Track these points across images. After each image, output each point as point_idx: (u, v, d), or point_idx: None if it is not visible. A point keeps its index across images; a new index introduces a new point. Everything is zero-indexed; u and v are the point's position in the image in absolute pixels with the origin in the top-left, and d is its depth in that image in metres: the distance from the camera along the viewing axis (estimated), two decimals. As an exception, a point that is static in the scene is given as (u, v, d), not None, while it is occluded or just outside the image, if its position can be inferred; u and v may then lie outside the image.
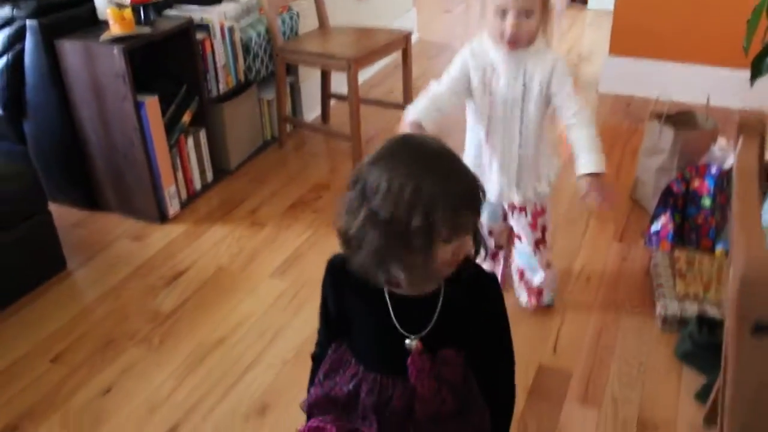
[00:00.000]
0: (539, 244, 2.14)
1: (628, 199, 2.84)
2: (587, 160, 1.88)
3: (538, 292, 2.22)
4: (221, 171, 3.08)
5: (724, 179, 2.46)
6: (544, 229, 2.14)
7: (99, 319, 2.27)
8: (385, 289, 1.23)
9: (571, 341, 2.12)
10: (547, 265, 2.19)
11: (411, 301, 1.23)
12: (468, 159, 2.08)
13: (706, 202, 2.45)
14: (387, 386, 1.28)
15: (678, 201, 2.49)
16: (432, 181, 1.06)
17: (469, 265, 1.21)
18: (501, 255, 2.31)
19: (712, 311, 2.12)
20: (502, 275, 2.31)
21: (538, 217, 2.11)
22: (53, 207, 2.51)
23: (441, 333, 1.24)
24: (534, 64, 1.87)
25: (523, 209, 2.10)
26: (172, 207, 2.77)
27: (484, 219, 2.17)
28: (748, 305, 0.72)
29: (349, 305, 1.29)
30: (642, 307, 2.25)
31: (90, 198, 2.85)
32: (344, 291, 1.28)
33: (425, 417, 1.27)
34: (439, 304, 1.23)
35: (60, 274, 2.49)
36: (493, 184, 2.03)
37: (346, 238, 1.14)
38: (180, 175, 2.82)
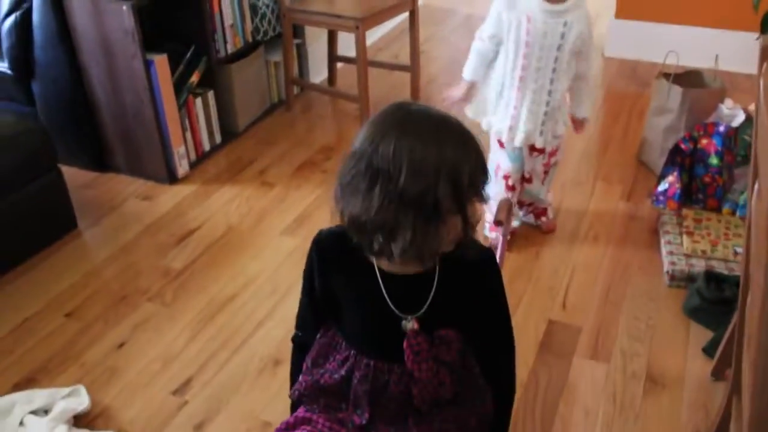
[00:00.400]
0: (547, 174, 2.36)
1: (635, 160, 2.84)
2: (582, 107, 2.24)
3: (544, 211, 2.45)
4: (229, 133, 3.07)
5: (731, 138, 2.46)
6: (555, 163, 2.35)
7: (111, 277, 2.29)
8: (377, 268, 1.15)
9: (580, 298, 2.14)
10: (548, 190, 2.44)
11: (405, 280, 1.15)
12: (491, 98, 2.20)
13: (714, 161, 2.46)
14: (382, 371, 1.20)
15: (686, 160, 2.49)
16: (452, 148, 1.03)
17: (466, 240, 1.12)
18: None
19: (719, 267, 2.14)
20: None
21: (552, 156, 2.31)
22: (63, 168, 2.51)
23: (438, 312, 1.17)
24: (573, 17, 2.02)
25: (541, 151, 2.27)
26: (182, 167, 2.78)
27: (505, 164, 2.25)
28: None
29: (338, 286, 1.21)
30: (650, 264, 2.27)
31: (99, 159, 2.85)
32: (332, 270, 1.20)
33: (424, 402, 1.20)
34: (435, 281, 1.16)
35: (71, 233, 2.50)
36: (519, 129, 2.16)
37: (359, 223, 1.06)
38: (189, 135, 2.83)
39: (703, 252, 2.21)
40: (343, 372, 1.22)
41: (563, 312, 2.09)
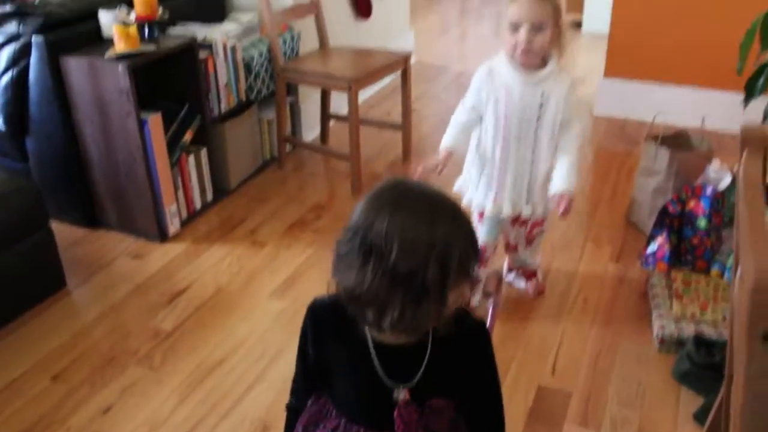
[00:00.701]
0: (531, 243, 2.36)
1: (624, 220, 2.87)
2: (563, 181, 2.05)
3: (533, 273, 2.43)
4: (221, 190, 3.09)
5: (719, 201, 2.49)
6: (540, 233, 2.35)
7: (99, 337, 2.28)
8: (369, 338, 1.18)
9: (569, 362, 2.14)
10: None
11: (397, 350, 1.17)
12: (472, 173, 2.18)
13: (702, 223, 2.48)
14: None
15: (674, 222, 2.52)
16: (443, 229, 1.05)
17: (459, 312, 1.15)
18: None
19: (709, 331, 2.14)
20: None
21: (535, 227, 2.31)
22: (54, 225, 2.51)
23: (429, 383, 1.19)
24: (551, 86, 2.02)
25: (523, 222, 2.28)
26: (173, 225, 2.79)
27: (481, 238, 2.21)
28: (759, 314, 0.74)
29: (331, 354, 1.23)
30: (639, 328, 2.27)
31: (90, 216, 2.86)
32: (325, 338, 1.23)
33: None
34: (427, 353, 1.18)
35: (60, 291, 2.49)
36: (505, 199, 2.16)
37: (353, 296, 1.08)
38: (180, 194, 2.84)
39: (693, 315, 2.21)
40: None
41: (552, 378, 2.08)
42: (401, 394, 1.18)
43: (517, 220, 2.26)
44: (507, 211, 2.16)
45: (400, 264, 1.03)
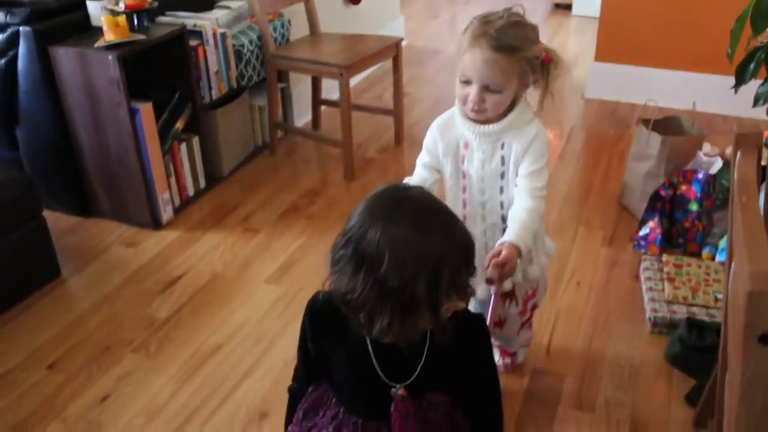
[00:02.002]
0: (524, 324, 1.97)
1: (616, 204, 2.88)
2: (517, 234, 1.57)
3: (513, 353, 2.06)
4: (213, 177, 3.09)
5: (710, 185, 2.51)
6: (533, 308, 1.95)
7: (95, 326, 2.28)
8: (368, 338, 1.19)
9: (563, 345, 2.16)
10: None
11: (394, 349, 1.17)
12: None
13: (693, 206, 2.50)
14: (369, 430, 1.26)
15: (665, 206, 2.54)
16: (435, 244, 1.06)
17: (456, 310, 1.15)
18: None
19: (700, 314, 2.16)
20: None
21: (528, 301, 1.90)
22: (46, 213, 2.51)
23: (427, 380, 1.22)
24: (512, 138, 1.64)
25: (513, 296, 1.85)
26: (166, 213, 2.78)
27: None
28: (755, 317, 0.75)
29: (330, 351, 1.26)
30: (632, 310, 2.29)
31: (83, 205, 2.85)
32: (324, 336, 1.26)
33: None
34: (425, 351, 1.21)
35: (54, 281, 2.49)
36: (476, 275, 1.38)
37: (344, 301, 1.11)
38: (173, 181, 2.83)
39: (684, 298, 2.23)
40: (331, 429, 1.27)
41: (548, 359, 2.10)
42: (399, 390, 1.22)
43: (505, 293, 1.84)
44: (481, 294, 1.79)
45: (390, 277, 1.04)
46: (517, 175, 1.66)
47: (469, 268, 1.11)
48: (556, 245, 1.91)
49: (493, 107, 1.59)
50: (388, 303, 1.06)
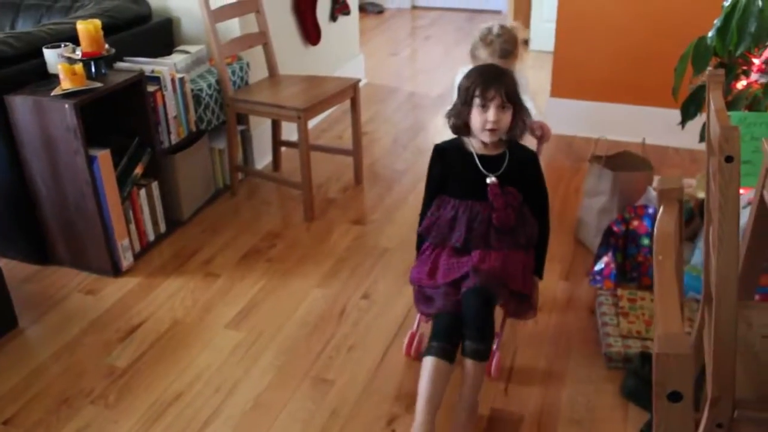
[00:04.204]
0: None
1: (573, 238, 2.94)
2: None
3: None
4: (174, 222, 3.09)
5: (661, 219, 2.57)
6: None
7: (53, 378, 2.26)
8: (474, 152, 2.09)
9: (521, 382, 2.19)
10: None
11: (489, 157, 2.09)
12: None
13: (645, 241, 2.56)
14: (475, 207, 2.08)
15: (619, 241, 2.60)
16: (478, 73, 2.04)
17: (517, 143, 2.13)
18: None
19: (654, 347, 2.20)
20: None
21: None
22: (3, 262, 2.50)
23: (507, 176, 2.08)
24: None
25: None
26: (126, 260, 2.78)
27: None
28: (663, 377, 0.79)
29: (450, 166, 2.12)
30: (589, 345, 2.33)
31: (41, 252, 2.83)
32: (447, 159, 2.13)
33: (499, 224, 2.05)
34: (506, 158, 2.09)
35: (11, 332, 2.46)
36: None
37: (456, 126, 2.09)
38: (133, 227, 2.83)
39: (638, 332, 2.28)
40: (452, 212, 2.10)
41: (506, 398, 2.13)
42: (492, 180, 2.07)
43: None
44: None
45: (459, 89, 2.07)
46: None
47: (497, 92, 1.98)
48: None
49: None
50: (457, 103, 2.09)
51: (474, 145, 2.09)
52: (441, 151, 2.13)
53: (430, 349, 1.90)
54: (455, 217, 2.08)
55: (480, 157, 2.07)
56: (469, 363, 1.89)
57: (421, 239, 2.19)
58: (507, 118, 2.00)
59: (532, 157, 2.14)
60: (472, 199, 2.06)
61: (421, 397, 1.86)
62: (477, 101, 1.98)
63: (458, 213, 2.07)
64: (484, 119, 1.98)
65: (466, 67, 2.24)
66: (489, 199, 2.04)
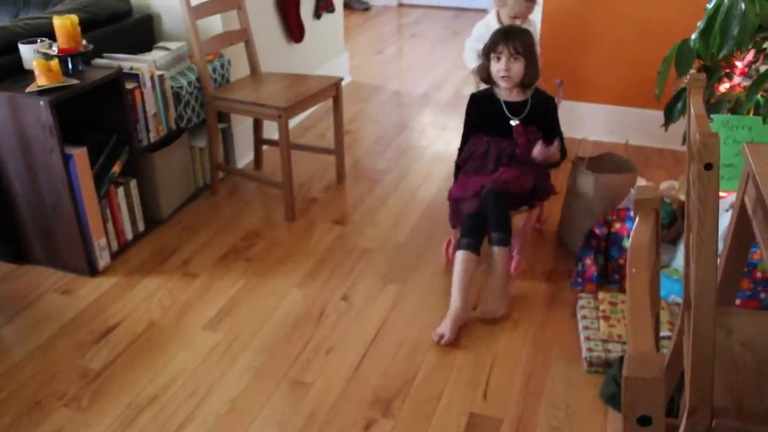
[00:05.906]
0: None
1: (555, 241, 2.92)
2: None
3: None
4: (153, 221, 3.05)
5: (643, 222, 2.56)
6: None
7: (25, 379, 2.22)
8: (501, 99, 2.62)
9: (501, 387, 2.17)
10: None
11: (514, 104, 2.63)
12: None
13: (627, 244, 2.54)
14: (503, 143, 2.61)
15: (601, 243, 2.58)
16: (495, 32, 2.60)
17: (539, 91, 2.68)
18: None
19: (634, 353, 2.19)
20: None
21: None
22: (-23, 262, 2.45)
23: (529, 118, 2.61)
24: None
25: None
26: (102, 259, 2.74)
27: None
28: (632, 400, 0.77)
29: (484, 110, 2.66)
30: (569, 349, 2.32)
31: (16, 251, 2.79)
32: (480, 105, 2.68)
33: (522, 156, 2.57)
34: (528, 103, 2.62)
35: (-16, 332, 2.42)
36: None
37: (484, 77, 2.66)
38: (110, 226, 2.79)
39: (619, 336, 2.27)
40: (484, 147, 2.63)
41: (485, 403, 2.11)
42: (516, 122, 2.60)
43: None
44: None
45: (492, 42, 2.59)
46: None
47: (506, 46, 2.53)
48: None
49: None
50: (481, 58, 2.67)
51: (501, 93, 2.64)
52: (475, 99, 2.72)
53: (460, 244, 2.45)
54: (487, 151, 2.62)
55: (506, 103, 2.62)
56: (495, 250, 2.44)
57: (458, 169, 2.73)
58: (517, 67, 2.54)
59: (549, 102, 2.68)
60: (500, 136, 2.61)
61: (455, 284, 2.40)
62: (493, 55, 2.55)
63: (489, 148, 2.62)
64: (497, 68, 2.55)
65: (484, 20, 3.20)
66: (513, 137, 2.57)
